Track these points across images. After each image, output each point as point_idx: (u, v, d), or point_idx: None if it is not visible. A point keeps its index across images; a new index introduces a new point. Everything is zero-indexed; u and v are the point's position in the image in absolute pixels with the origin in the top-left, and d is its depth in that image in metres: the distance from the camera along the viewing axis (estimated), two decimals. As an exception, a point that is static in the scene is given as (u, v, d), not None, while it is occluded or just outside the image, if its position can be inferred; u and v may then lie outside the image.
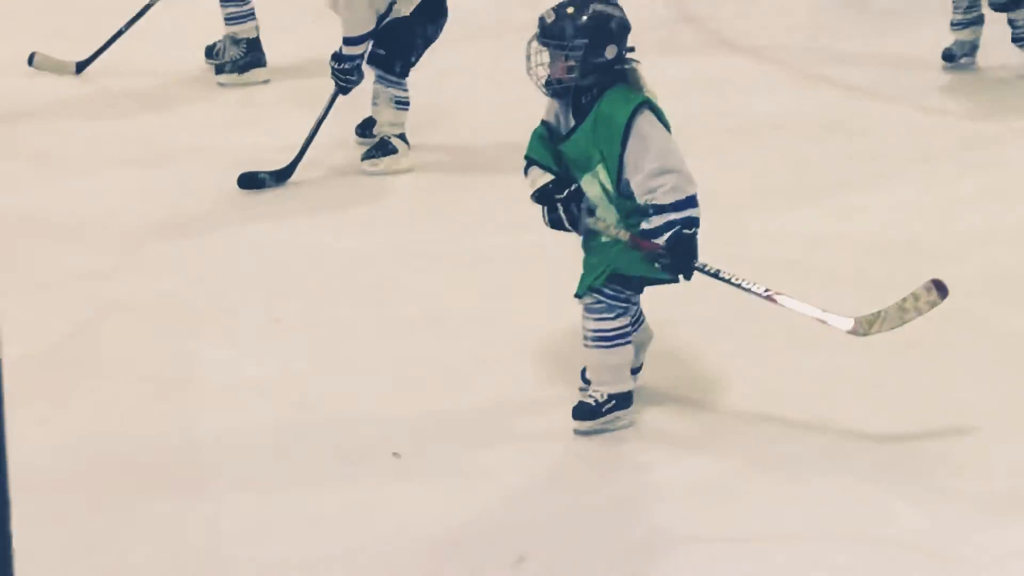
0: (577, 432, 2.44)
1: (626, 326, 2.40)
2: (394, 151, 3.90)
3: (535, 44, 2.31)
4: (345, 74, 3.78)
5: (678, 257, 2.27)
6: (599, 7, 2.30)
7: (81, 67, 4.68)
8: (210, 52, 4.71)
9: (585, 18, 2.27)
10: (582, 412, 2.43)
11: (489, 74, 4.54)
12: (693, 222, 2.26)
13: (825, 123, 4.27)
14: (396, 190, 3.89)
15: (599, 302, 2.34)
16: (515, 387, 2.69)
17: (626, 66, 2.34)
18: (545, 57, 2.30)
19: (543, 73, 2.31)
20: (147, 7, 4.51)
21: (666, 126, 2.33)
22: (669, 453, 2.45)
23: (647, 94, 2.34)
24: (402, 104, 3.87)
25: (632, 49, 2.37)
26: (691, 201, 2.26)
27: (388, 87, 3.83)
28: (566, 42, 2.25)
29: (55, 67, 4.73)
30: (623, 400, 2.44)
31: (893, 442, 2.41)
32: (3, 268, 3.25)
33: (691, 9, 5.49)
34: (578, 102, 2.33)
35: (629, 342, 2.43)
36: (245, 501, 2.31)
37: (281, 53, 4.75)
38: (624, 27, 2.35)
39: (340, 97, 3.82)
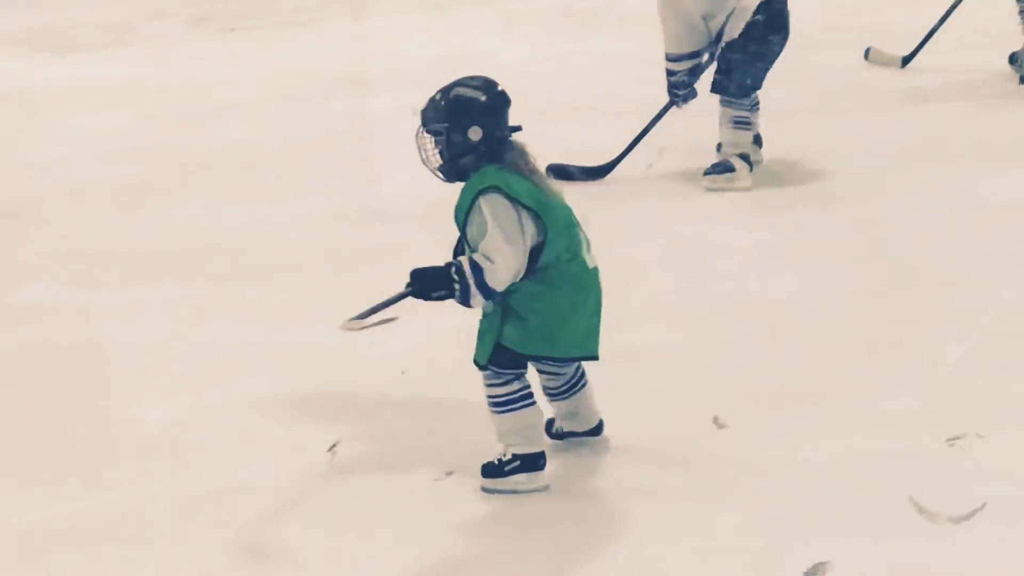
0: (483, 490, 2.37)
1: (518, 390, 2.32)
2: (731, 170, 4.04)
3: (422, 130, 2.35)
4: (672, 87, 4.09)
5: (419, 281, 2.26)
6: (461, 90, 2.31)
7: (907, 60, 5.32)
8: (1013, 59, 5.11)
9: (445, 102, 2.30)
10: (486, 470, 2.37)
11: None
12: (465, 291, 2.19)
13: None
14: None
15: (486, 369, 2.30)
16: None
17: (503, 146, 2.30)
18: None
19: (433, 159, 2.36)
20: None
21: (528, 208, 2.23)
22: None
23: (528, 174, 2.30)
24: (741, 124, 4.04)
25: (517, 128, 2.33)
26: (488, 293, 2.20)
27: (727, 107, 4.01)
28: (429, 126, 2.31)
29: (886, 60, 5.43)
30: (529, 462, 2.33)
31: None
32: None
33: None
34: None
35: (529, 404, 2.35)
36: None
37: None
38: (489, 108, 2.30)
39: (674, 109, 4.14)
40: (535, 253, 2.22)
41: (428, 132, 2.31)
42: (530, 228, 2.21)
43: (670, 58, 4.06)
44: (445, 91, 2.33)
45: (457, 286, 2.18)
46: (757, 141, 4.21)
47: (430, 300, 2.27)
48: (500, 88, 2.36)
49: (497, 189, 2.21)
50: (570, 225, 2.31)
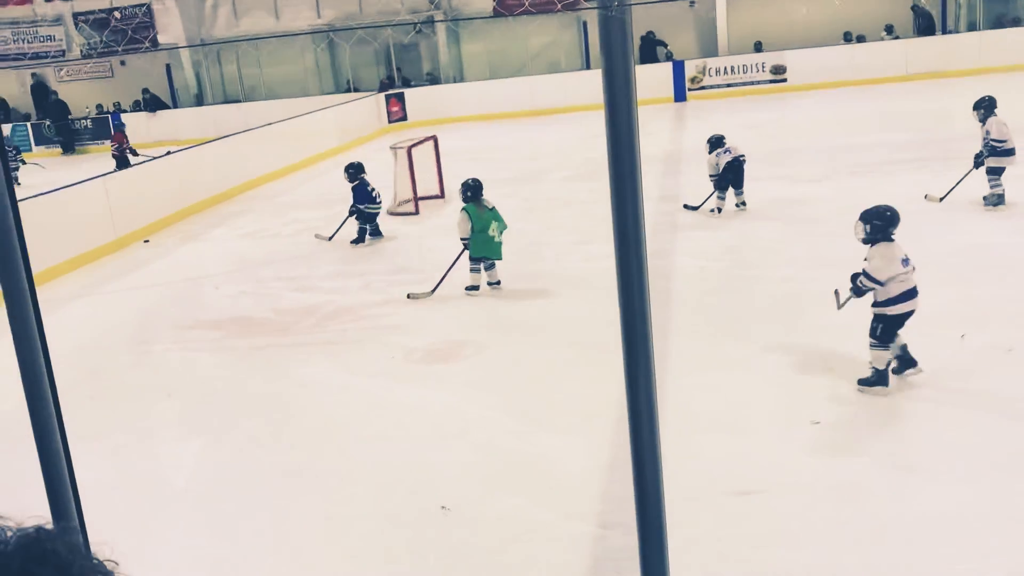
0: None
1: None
2: None
3: None
4: None
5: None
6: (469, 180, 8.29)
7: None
8: None
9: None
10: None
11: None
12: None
13: None
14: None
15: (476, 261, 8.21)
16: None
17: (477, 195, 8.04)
18: None
19: None
20: None
21: (477, 223, 7.89)
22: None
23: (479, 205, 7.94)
24: None
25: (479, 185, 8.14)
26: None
27: None
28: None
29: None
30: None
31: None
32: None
33: None
34: None
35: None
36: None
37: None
38: (477, 188, 8.02)
39: None
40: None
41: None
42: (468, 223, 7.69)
43: None
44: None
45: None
46: None
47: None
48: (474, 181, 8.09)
49: (467, 209, 7.83)
50: (486, 223, 7.76)
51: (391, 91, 23.14)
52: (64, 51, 27.18)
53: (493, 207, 8.01)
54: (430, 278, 8.71)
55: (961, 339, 5.86)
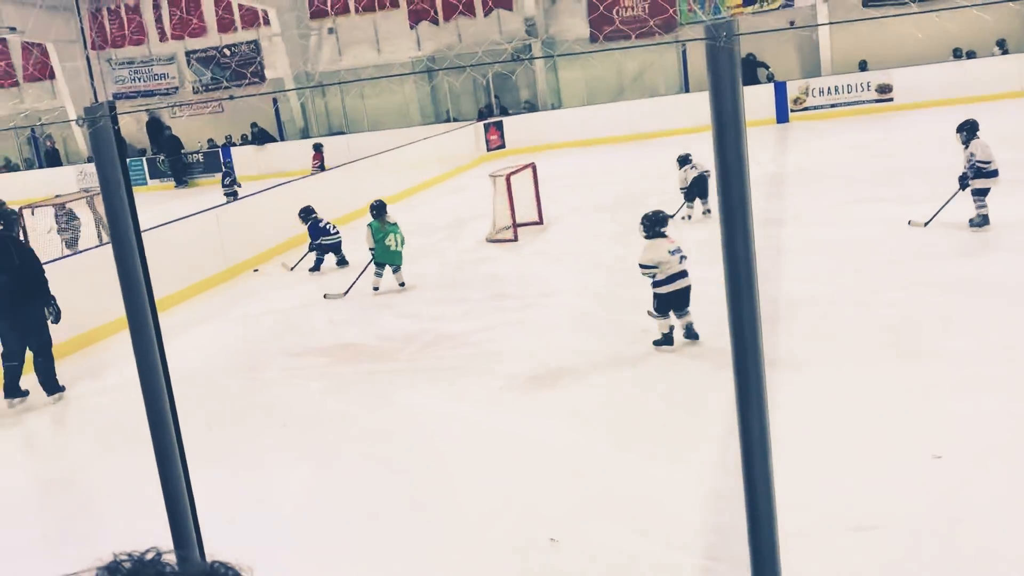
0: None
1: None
2: None
3: None
4: None
5: None
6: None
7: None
8: None
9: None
10: None
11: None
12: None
13: None
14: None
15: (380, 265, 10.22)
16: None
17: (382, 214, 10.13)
18: None
19: None
20: None
21: (378, 235, 9.98)
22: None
23: (382, 221, 10.05)
24: None
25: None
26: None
27: None
28: None
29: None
30: None
31: None
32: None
33: None
34: None
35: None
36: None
37: None
38: (381, 209, 10.25)
39: None
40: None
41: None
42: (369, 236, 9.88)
43: None
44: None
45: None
46: None
47: None
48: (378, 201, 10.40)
49: (369, 225, 9.91)
50: (385, 235, 9.80)
51: (490, 120, 23.43)
52: (177, 88, 28.41)
53: (395, 223, 10.04)
54: (530, 304, 8.74)
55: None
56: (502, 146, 22.86)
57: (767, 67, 22.56)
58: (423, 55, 25.79)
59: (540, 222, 12.72)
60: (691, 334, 6.94)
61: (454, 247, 12.06)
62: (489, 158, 21.99)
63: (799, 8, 22.67)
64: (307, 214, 11.84)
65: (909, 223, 9.60)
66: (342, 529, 4.86)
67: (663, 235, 7.05)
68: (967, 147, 9.33)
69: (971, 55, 20.70)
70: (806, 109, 21.11)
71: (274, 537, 4.92)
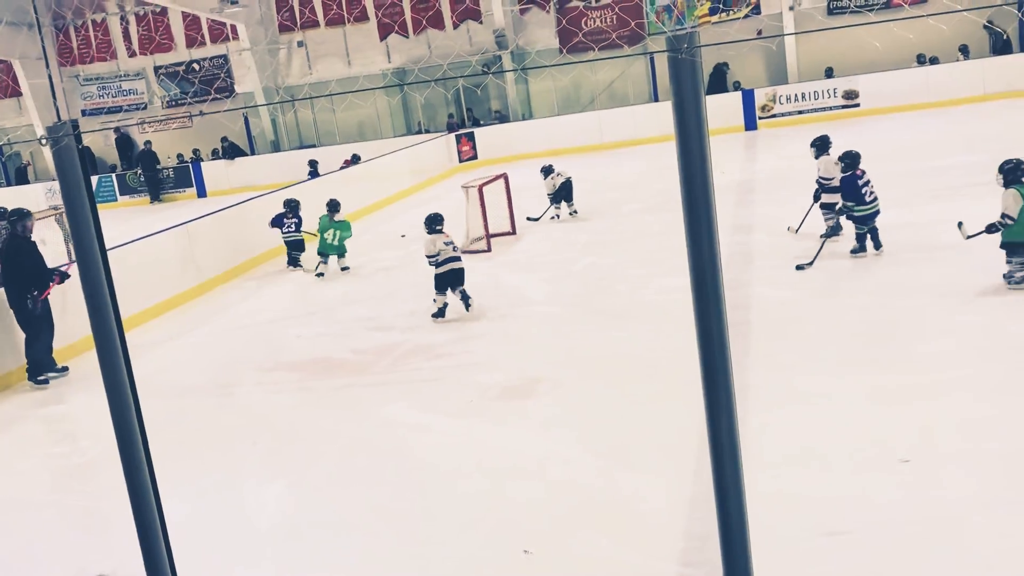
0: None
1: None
2: None
3: None
4: None
5: None
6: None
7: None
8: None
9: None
10: None
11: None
12: None
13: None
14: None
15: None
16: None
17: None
18: None
19: None
20: None
21: (322, 229, 11.90)
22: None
23: (330, 218, 11.85)
24: None
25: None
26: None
27: None
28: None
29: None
30: None
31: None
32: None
33: None
34: None
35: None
36: None
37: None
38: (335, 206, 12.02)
39: None
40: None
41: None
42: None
43: None
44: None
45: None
46: None
47: None
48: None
49: (320, 219, 11.82)
50: (324, 229, 11.82)
51: (461, 131, 23.45)
52: (146, 103, 28.22)
53: (343, 220, 11.98)
54: (504, 314, 8.75)
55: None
56: (474, 157, 22.89)
57: (728, 68, 22.89)
58: (393, 67, 25.79)
59: (513, 232, 12.74)
60: (465, 300, 8.70)
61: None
62: (461, 169, 22.01)
63: (765, 17, 22.90)
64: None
65: (788, 229, 10.15)
66: (319, 544, 4.83)
67: (440, 231, 8.86)
68: (817, 161, 9.79)
69: (934, 61, 20.98)
70: (774, 116, 21.30)
71: (250, 554, 4.88)
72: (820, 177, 9.61)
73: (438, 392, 6.88)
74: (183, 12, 25.89)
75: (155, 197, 24.93)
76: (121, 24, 27.91)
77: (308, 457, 6.03)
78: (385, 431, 6.28)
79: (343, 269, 11.87)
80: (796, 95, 21.26)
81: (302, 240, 12.76)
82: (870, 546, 4.08)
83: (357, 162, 20.11)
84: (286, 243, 12.75)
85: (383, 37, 25.87)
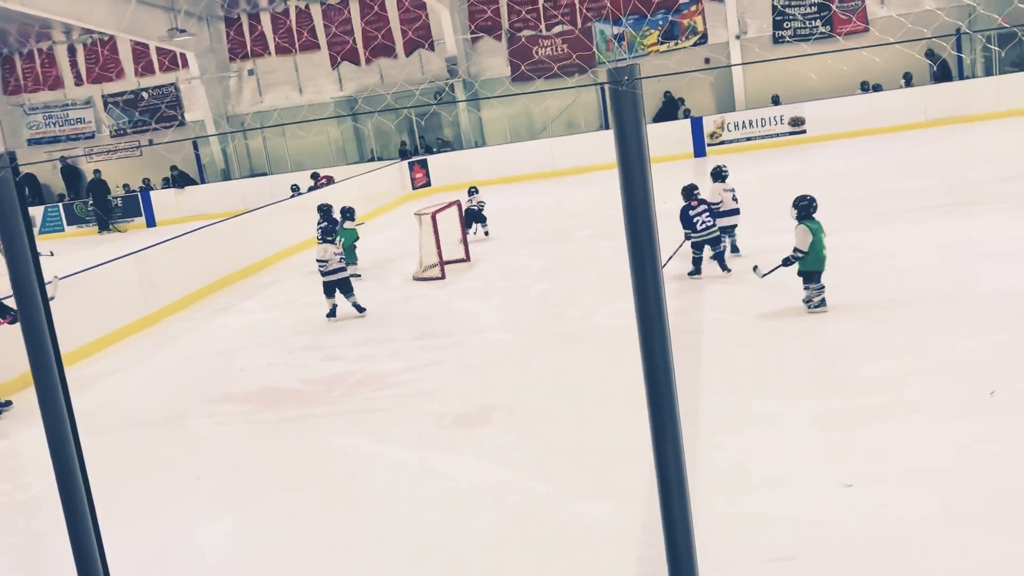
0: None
1: None
2: None
3: None
4: None
5: None
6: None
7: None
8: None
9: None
10: None
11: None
12: None
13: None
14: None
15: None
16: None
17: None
18: None
19: None
20: None
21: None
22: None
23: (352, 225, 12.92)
24: None
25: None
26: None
27: None
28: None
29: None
30: None
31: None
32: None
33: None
34: None
35: None
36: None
37: None
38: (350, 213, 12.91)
39: None
40: None
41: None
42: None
43: None
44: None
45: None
46: None
47: None
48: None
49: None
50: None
51: (414, 158, 23.46)
52: (94, 132, 27.86)
53: (350, 228, 12.81)
54: (459, 342, 8.73)
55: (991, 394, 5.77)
56: (427, 184, 22.90)
57: (683, 102, 23.15)
58: (345, 95, 25.77)
59: (467, 259, 12.74)
60: (357, 307, 10.28)
61: (381, 286, 12.00)
62: (414, 196, 22.01)
63: (713, 45, 23.28)
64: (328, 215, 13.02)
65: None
66: (268, 579, 4.75)
67: (332, 242, 10.32)
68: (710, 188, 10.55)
69: (877, 88, 21.47)
70: (723, 143, 21.62)
71: (197, 591, 4.78)
72: (710, 204, 10.14)
73: (391, 422, 6.83)
74: (132, 41, 25.67)
75: (104, 227, 24.56)
76: (68, 53, 27.59)
77: (258, 490, 5.94)
78: (337, 462, 6.21)
79: (353, 276, 11.48)
80: (744, 122, 21.60)
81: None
82: (815, 571, 4.11)
83: (329, 181, 20.05)
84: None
85: (334, 65, 25.86)
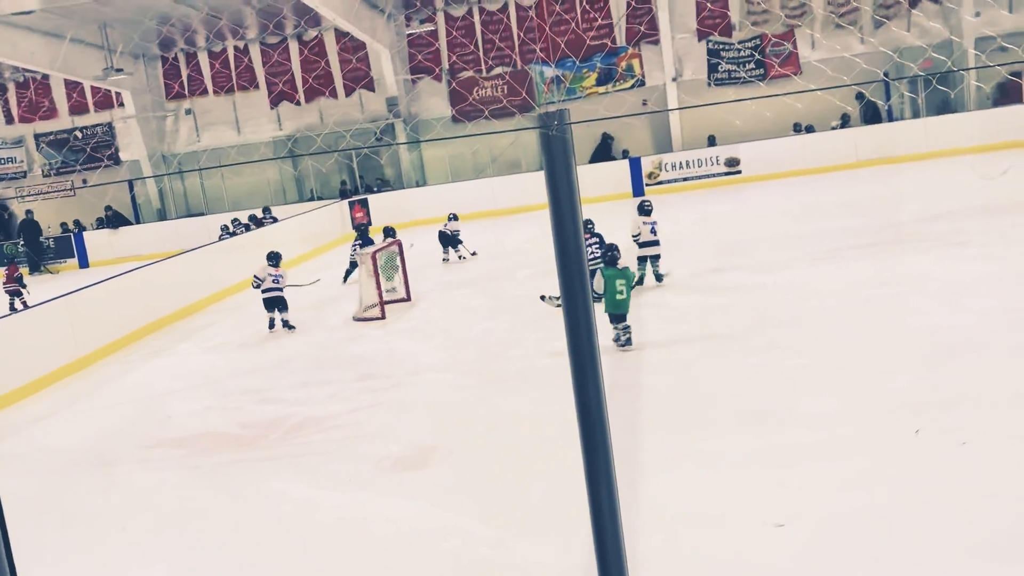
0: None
1: None
2: None
3: None
4: None
5: None
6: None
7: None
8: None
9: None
10: None
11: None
12: None
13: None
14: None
15: None
16: None
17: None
18: None
19: None
20: None
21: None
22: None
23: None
24: None
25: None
26: None
27: None
28: None
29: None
30: None
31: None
32: None
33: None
34: None
35: None
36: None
37: None
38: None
39: None
40: None
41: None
42: None
43: None
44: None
45: None
46: None
47: None
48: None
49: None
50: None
51: (354, 198, 23.40)
52: (25, 172, 27.32)
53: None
54: (399, 383, 8.67)
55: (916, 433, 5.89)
56: (368, 224, 22.83)
57: (611, 140, 23.64)
58: (285, 134, 25.66)
59: (408, 299, 12.69)
60: (286, 324, 11.82)
61: (320, 327, 11.89)
62: (355, 236, 21.90)
63: (651, 88, 23.72)
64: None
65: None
66: (201, 631, 4.62)
67: (274, 265, 11.84)
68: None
69: (810, 129, 22.04)
70: (660, 183, 21.97)
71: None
72: (632, 235, 11.37)
73: (329, 465, 6.73)
74: (66, 79, 25.30)
75: (36, 268, 24.00)
76: (0, 92, 27.08)
77: (191, 538, 5.79)
78: (273, 508, 6.09)
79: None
80: (681, 162, 21.99)
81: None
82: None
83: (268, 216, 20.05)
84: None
85: (274, 105, 25.76)
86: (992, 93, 21.86)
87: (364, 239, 14.35)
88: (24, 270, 23.85)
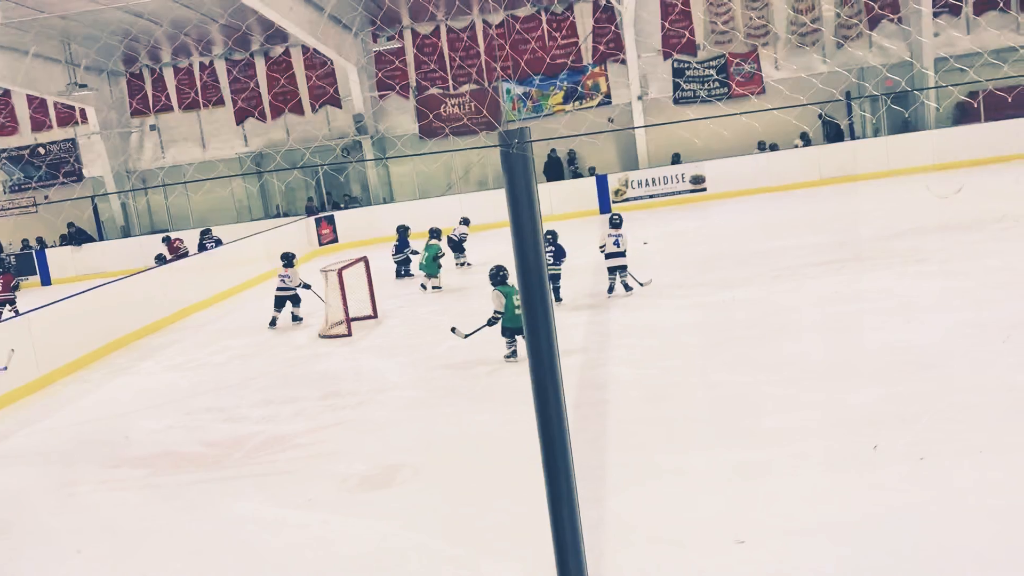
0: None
1: None
2: None
3: None
4: None
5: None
6: None
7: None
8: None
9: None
10: None
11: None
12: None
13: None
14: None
15: None
16: None
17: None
18: None
19: None
20: None
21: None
22: None
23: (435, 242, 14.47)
24: None
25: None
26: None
27: None
28: None
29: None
30: None
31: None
32: None
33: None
34: None
35: None
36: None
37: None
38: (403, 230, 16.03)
39: None
40: None
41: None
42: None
43: None
44: None
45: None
46: None
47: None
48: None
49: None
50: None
51: (321, 214, 23.31)
52: (-14, 188, 26.95)
53: (435, 244, 14.48)
54: (364, 401, 8.62)
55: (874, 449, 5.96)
56: (335, 240, 22.75)
57: (574, 156, 23.84)
58: (250, 151, 25.53)
59: (374, 316, 12.65)
60: (295, 318, 12.88)
61: (286, 344, 11.80)
62: (321, 252, 21.82)
63: (617, 105, 23.89)
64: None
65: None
66: (162, 653, 4.55)
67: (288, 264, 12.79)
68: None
69: (774, 147, 22.31)
70: (627, 200, 22.10)
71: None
72: (599, 247, 11.78)
73: (293, 485, 6.67)
74: (28, 95, 25.02)
75: (-6, 285, 23.61)
76: (-41, 106, 26.72)
77: (153, 559, 5.71)
78: (236, 528, 6.02)
79: (435, 288, 14.35)
80: (647, 180, 22.15)
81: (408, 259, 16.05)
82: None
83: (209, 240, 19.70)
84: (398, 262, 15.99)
85: (240, 121, 25.64)
86: (950, 112, 22.28)
87: (403, 242, 15.97)
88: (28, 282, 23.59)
